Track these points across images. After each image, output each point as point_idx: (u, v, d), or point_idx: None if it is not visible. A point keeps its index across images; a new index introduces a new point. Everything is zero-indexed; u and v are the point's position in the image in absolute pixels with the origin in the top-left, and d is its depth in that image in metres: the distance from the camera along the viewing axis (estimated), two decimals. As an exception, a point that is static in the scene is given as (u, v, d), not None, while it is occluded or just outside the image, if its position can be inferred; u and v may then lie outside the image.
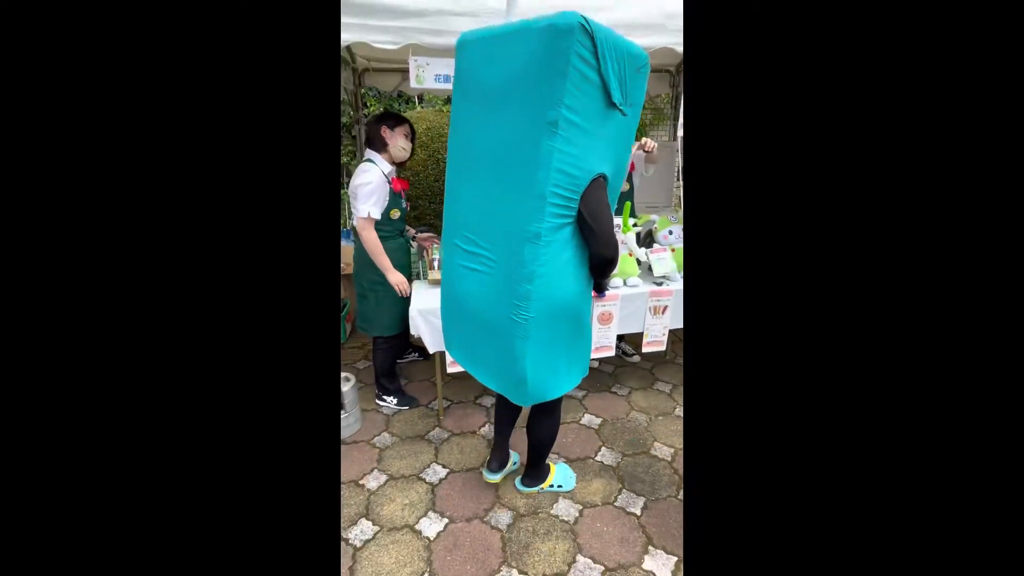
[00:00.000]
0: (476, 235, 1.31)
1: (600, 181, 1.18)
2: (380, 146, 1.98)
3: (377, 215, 1.95)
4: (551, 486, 1.75)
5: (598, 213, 1.17)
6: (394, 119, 1.99)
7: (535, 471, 1.73)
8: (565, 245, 1.20)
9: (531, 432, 1.65)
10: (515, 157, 1.14)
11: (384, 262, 1.99)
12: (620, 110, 1.14)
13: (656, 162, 2.26)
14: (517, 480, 1.78)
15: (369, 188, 1.90)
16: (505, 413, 1.71)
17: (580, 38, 0.98)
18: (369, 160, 1.97)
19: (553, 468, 1.79)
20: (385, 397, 2.34)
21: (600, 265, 1.26)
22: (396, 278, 2.03)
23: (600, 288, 1.45)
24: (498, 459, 1.77)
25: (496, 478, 1.78)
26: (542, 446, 1.66)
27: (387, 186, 1.96)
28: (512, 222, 1.18)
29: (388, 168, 2.00)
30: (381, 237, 1.99)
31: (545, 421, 1.60)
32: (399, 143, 1.98)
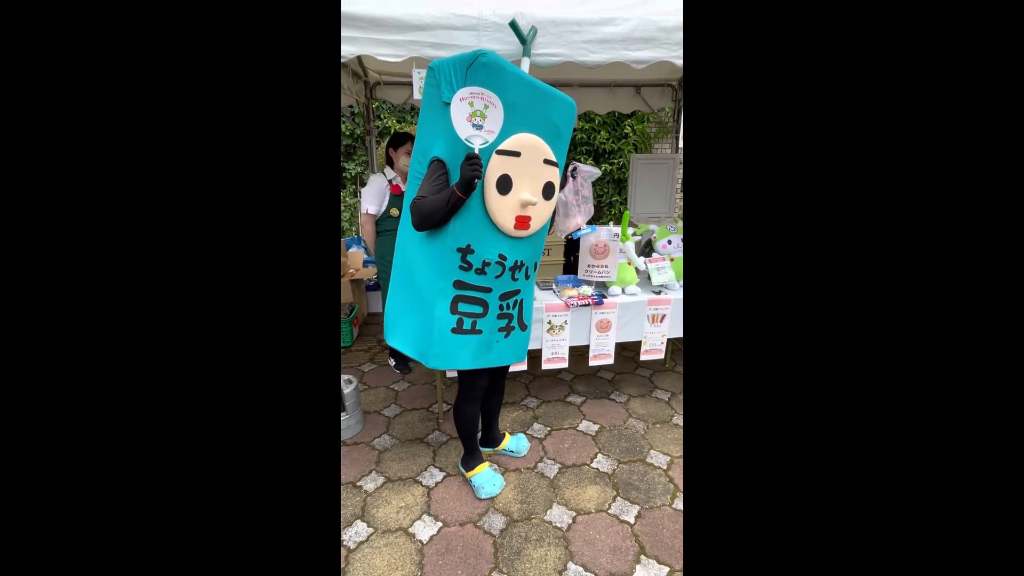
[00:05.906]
0: None
1: (432, 164, 1.47)
2: (390, 162, 2.53)
3: (374, 211, 2.46)
4: (470, 479, 1.84)
5: (422, 185, 1.49)
6: (397, 140, 2.48)
7: (465, 455, 1.88)
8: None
9: None
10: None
11: (368, 248, 2.62)
12: None
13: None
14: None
15: (368, 190, 2.46)
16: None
17: (430, 76, 1.45)
18: (382, 172, 2.52)
19: (480, 468, 1.84)
20: (391, 359, 2.86)
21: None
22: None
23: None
24: (485, 436, 2.00)
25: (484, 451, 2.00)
26: (459, 433, 1.83)
27: (387, 189, 2.46)
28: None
29: (391, 175, 2.48)
30: (383, 231, 2.51)
31: (455, 407, 1.78)
32: (402, 160, 2.44)
